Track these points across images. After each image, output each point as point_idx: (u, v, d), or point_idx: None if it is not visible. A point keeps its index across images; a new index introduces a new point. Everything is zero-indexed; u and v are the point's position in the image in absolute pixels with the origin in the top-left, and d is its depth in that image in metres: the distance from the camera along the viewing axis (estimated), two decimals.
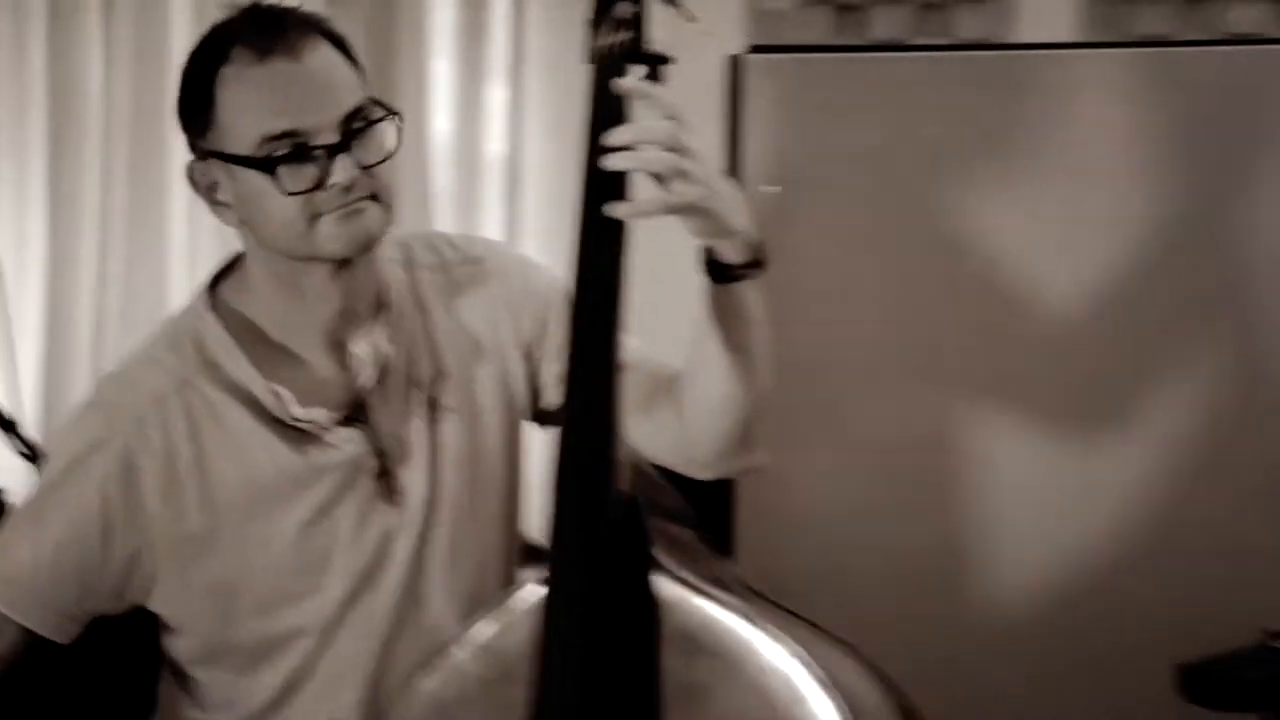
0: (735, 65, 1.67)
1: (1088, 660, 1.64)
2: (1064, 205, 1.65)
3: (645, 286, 0.96)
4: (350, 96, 0.98)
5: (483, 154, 1.90)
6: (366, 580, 1.03)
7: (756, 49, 1.71)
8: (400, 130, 1.02)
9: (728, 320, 0.98)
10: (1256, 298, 1.65)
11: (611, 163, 0.87)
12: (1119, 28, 1.74)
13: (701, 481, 1.43)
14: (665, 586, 0.88)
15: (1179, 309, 1.66)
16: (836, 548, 1.70)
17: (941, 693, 1.48)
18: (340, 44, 1.02)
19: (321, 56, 0.99)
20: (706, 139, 1.37)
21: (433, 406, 1.06)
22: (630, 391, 1.01)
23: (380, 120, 0.99)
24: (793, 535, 1.71)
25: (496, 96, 1.89)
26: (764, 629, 0.87)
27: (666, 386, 1.06)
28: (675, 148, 0.87)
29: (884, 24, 1.77)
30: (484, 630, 0.92)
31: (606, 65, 0.91)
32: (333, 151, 0.95)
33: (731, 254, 0.94)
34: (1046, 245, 1.66)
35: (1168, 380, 1.67)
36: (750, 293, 0.98)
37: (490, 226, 1.89)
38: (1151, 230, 1.65)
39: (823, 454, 1.69)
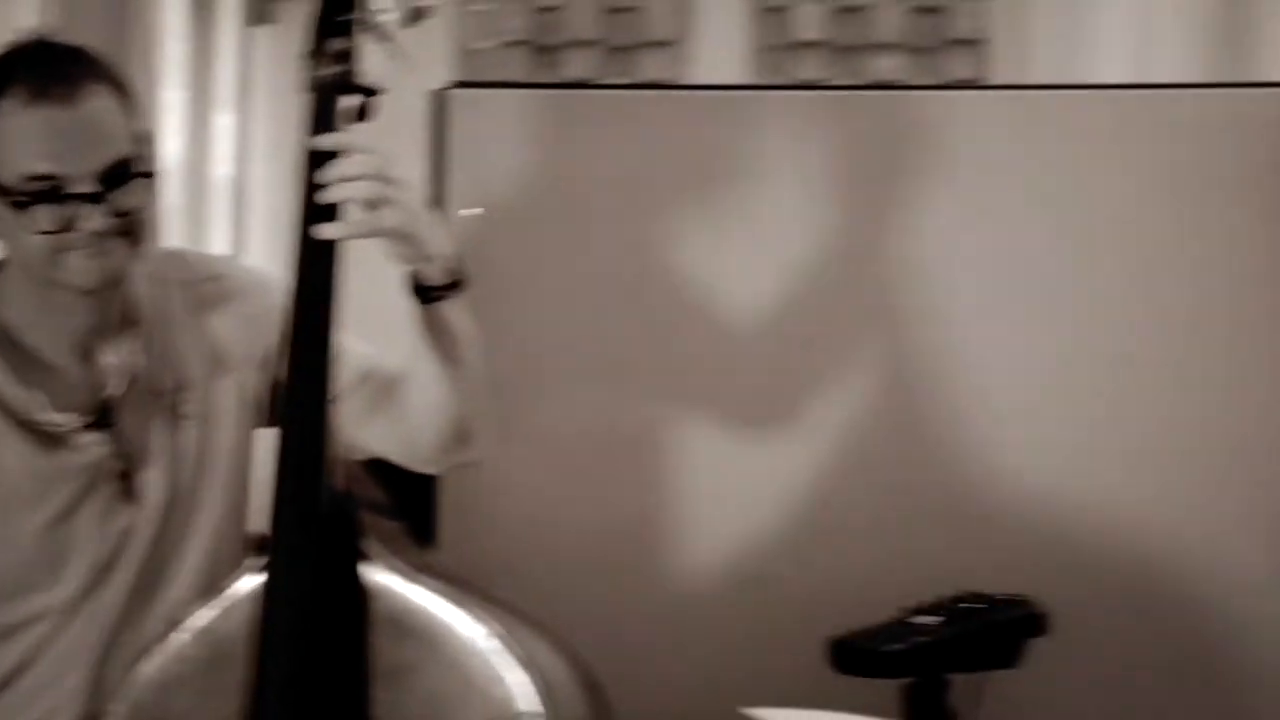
0: (440, 99, 1.77)
1: (758, 634, 1.76)
2: (736, 226, 1.80)
3: (374, 295, 1.06)
4: (115, 148, 1.01)
5: (211, 175, 2.00)
6: (103, 573, 1.08)
7: (461, 84, 1.83)
8: (154, 182, 1.09)
9: (436, 335, 1.06)
10: (904, 314, 1.82)
11: (323, 194, 0.96)
12: (783, 72, 1.97)
13: (411, 475, 1.56)
14: (374, 575, 0.96)
15: (840, 322, 1.82)
16: (536, 536, 1.80)
17: (628, 667, 1.62)
18: (121, 89, 1.06)
19: (96, 104, 1.01)
20: (412, 167, 1.50)
21: (174, 414, 1.12)
22: (360, 395, 1.14)
23: (141, 175, 1.04)
24: (496, 525, 1.80)
25: (224, 122, 2.00)
26: (465, 613, 0.94)
27: (392, 390, 1.14)
28: (381, 178, 0.97)
29: (577, 64, 1.94)
30: (204, 615, 0.97)
31: (321, 95, 1.00)
32: (88, 199, 0.98)
33: (433, 276, 1.02)
34: (721, 261, 1.80)
35: (828, 387, 1.82)
36: (453, 310, 1.06)
37: (218, 243, 1.98)
38: (813, 251, 1.81)
39: (524, 451, 1.77)
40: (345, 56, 0.99)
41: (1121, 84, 2.04)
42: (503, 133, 1.80)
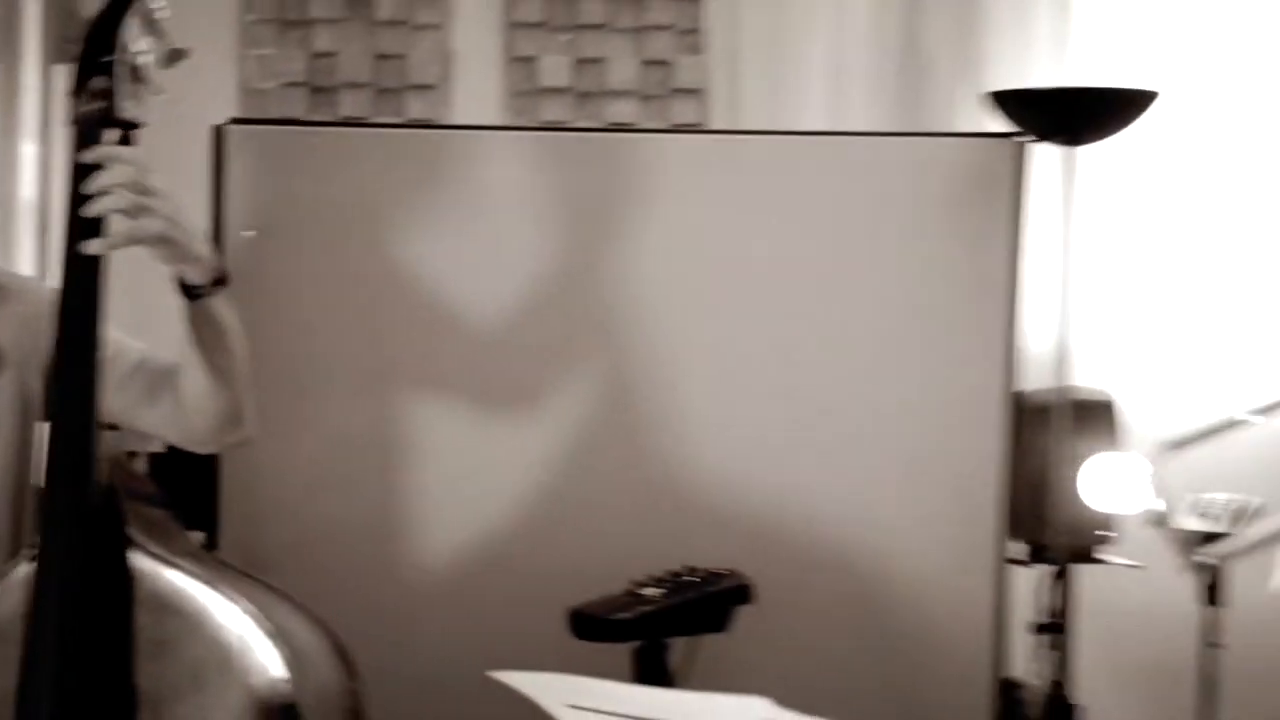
0: (220, 134, 1.92)
1: (506, 607, 1.92)
2: (483, 249, 1.97)
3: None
4: None
5: (17, 200, 2.13)
6: None
7: (239, 121, 2.00)
8: None
9: (203, 329, 1.15)
10: (627, 325, 2.01)
11: (86, 208, 1.01)
12: (530, 115, 2.22)
13: (188, 468, 1.67)
14: (139, 559, 1.01)
15: (572, 332, 2.00)
16: (307, 522, 1.94)
17: (389, 639, 1.80)
18: None
19: None
20: (194, 195, 1.61)
21: None
22: (135, 385, 1.22)
23: None
24: (273, 513, 1.94)
25: (29, 151, 2.13)
26: (222, 591, 1.01)
27: (167, 380, 1.23)
28: (138, 188, 1.01)
29: (349, 104, 2.14)
30: None
31: (84, 129, 1.04)
32: None
33: (197, 276, 1.11)
34: (469, 279, 1.97)
35: (561, 390, 2.02)
36: (218, 306, 1.14)
37: (24, 262, 2.11)
38: (550, 270, 2.00)
39: (294, 444, 1.93)
40: (105, 94, 1.04)
41: (819, 131, 2.33)
42: (280, 165, 1.98)
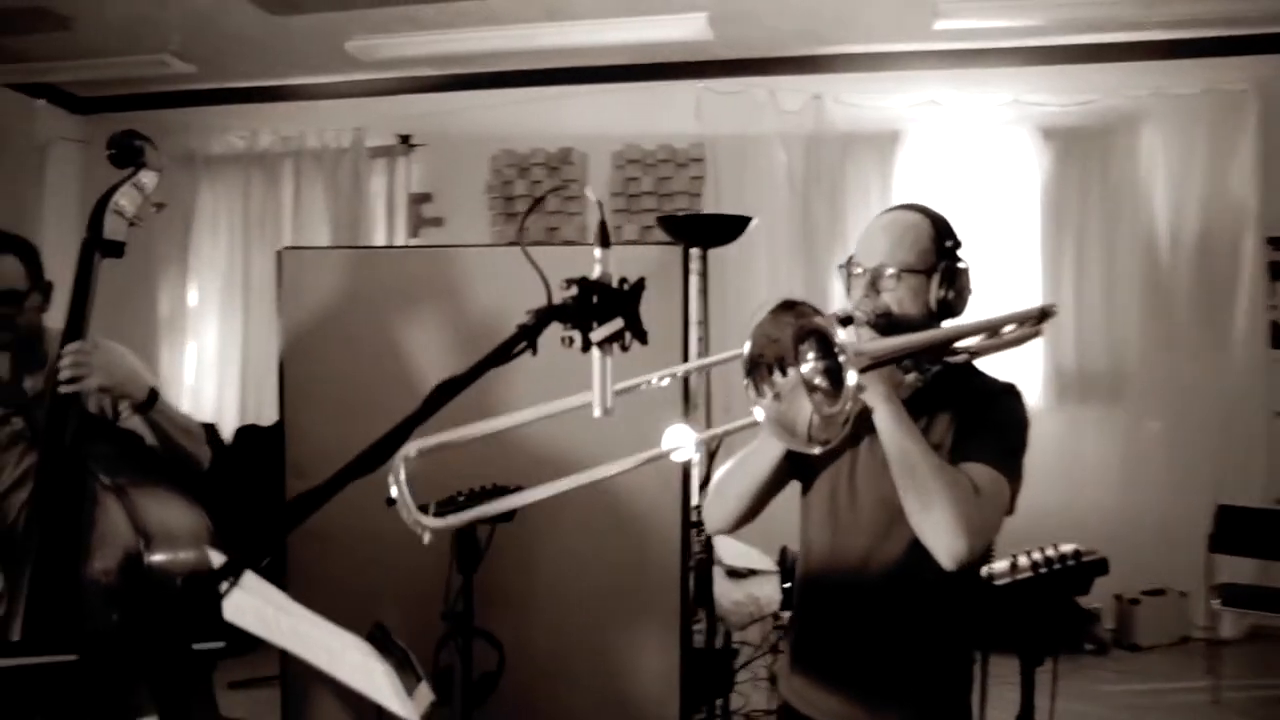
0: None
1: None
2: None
3: None
4: None
5: None
6: None
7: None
8: None
9: (158, 427, 2.22)
10: None
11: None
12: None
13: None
14: None
15: None
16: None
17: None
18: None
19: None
20: None
21: None
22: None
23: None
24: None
25: None
26: None
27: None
28: (80, 361, 2.07)
29: None
30: None
31: (82, 252, 2.18)
32: None
33: (136, 398, 2.15)
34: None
35: None
36: (158, 413, 2.20)
37: None
38: None
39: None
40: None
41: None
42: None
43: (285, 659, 2.86)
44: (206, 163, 6.19)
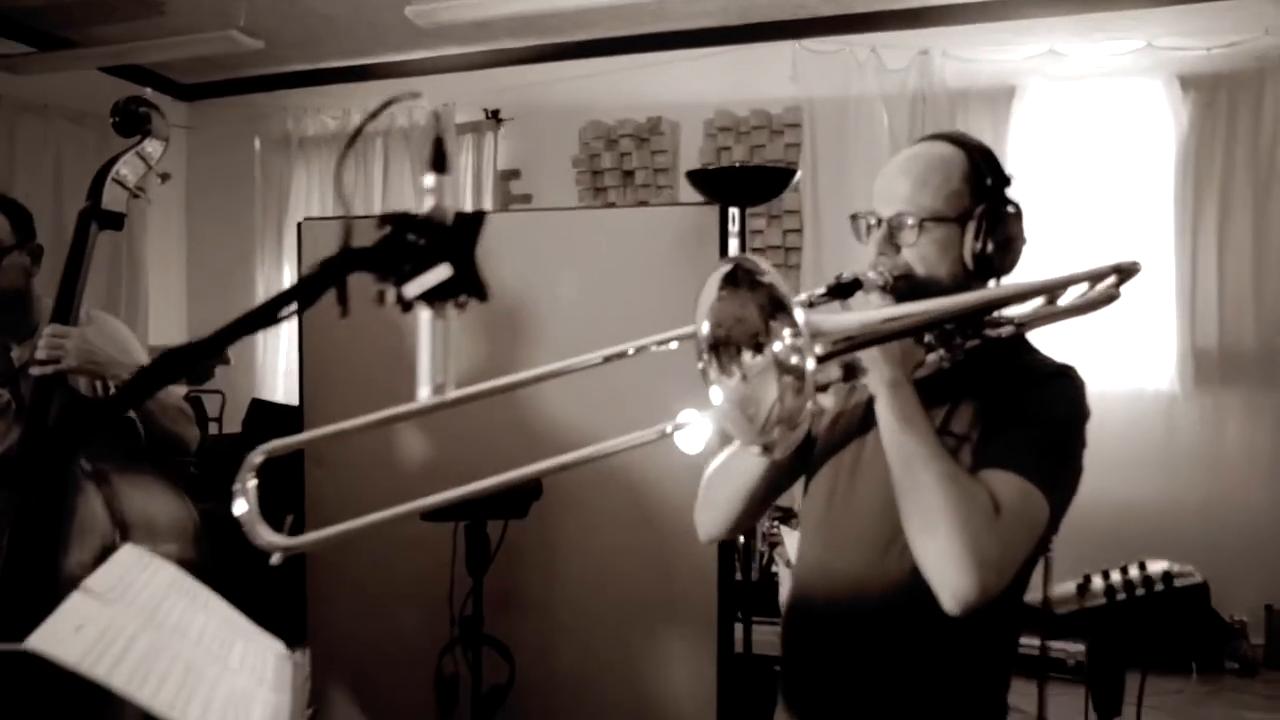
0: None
1: None
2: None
3: None
4: None
5: None
6: None
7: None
8: None
9: (152, 407, 2.11)
10: None
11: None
12: None
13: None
14: None
15: None
16: None
17: None
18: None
19: None
20: None
21: None
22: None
23: None
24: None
25: None
26: None
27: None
28: (57, 344, 1.98)
29: None
30: None
31: (79, 222, 2.08)
32: None
33: (123, 377, 1.99)
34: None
35: None
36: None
37: None
38: None
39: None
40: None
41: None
42: None
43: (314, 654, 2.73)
44: (301, 144, 6.19)
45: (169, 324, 6.24)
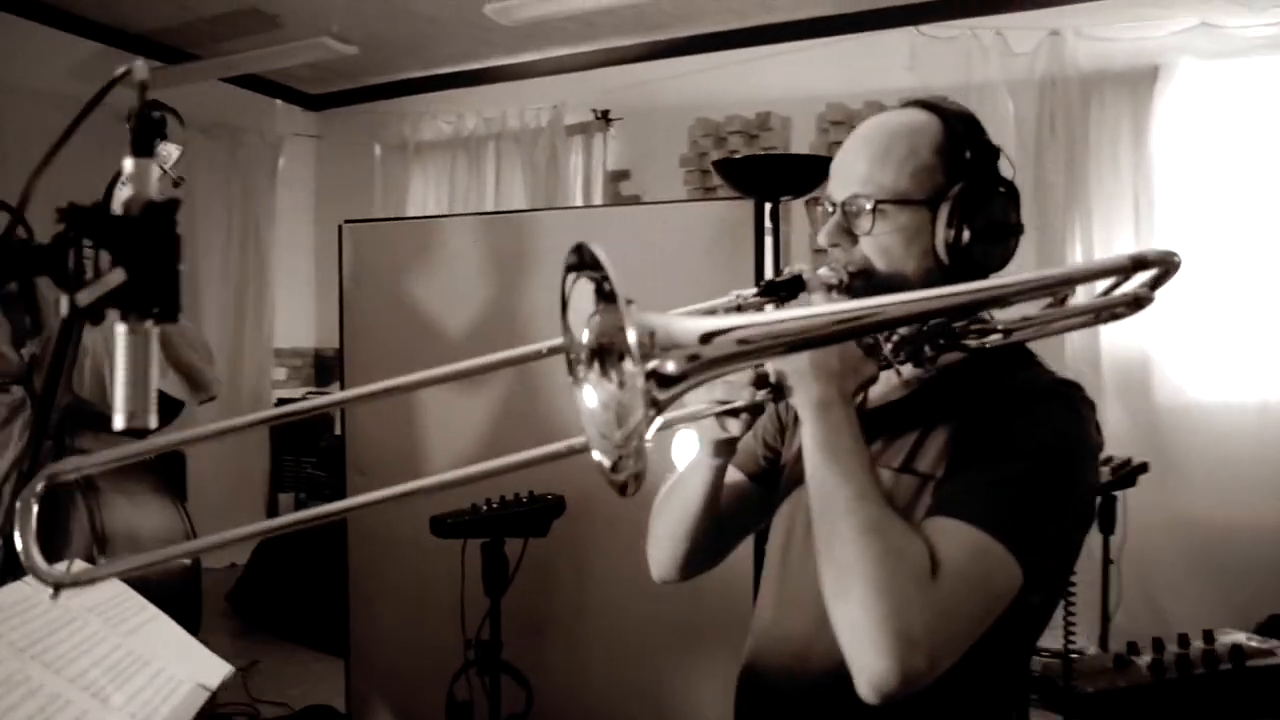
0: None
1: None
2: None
3: None
4: None
5: None
6: None
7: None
8: None
9: (170, 357, 2.01)
10: None
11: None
12: None
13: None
14: None
15: None
16: None
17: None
18: None
19: None
20: None
21: None
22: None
23: None
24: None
25: None
26: None
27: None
28: None
29: None
30: None
31: None
32: None
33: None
34: None
35: None
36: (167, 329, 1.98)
37: None
38: None
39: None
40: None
41: None
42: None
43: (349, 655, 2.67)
44: (418, 149, 6.26)
45: (296, 328, 6.43)
